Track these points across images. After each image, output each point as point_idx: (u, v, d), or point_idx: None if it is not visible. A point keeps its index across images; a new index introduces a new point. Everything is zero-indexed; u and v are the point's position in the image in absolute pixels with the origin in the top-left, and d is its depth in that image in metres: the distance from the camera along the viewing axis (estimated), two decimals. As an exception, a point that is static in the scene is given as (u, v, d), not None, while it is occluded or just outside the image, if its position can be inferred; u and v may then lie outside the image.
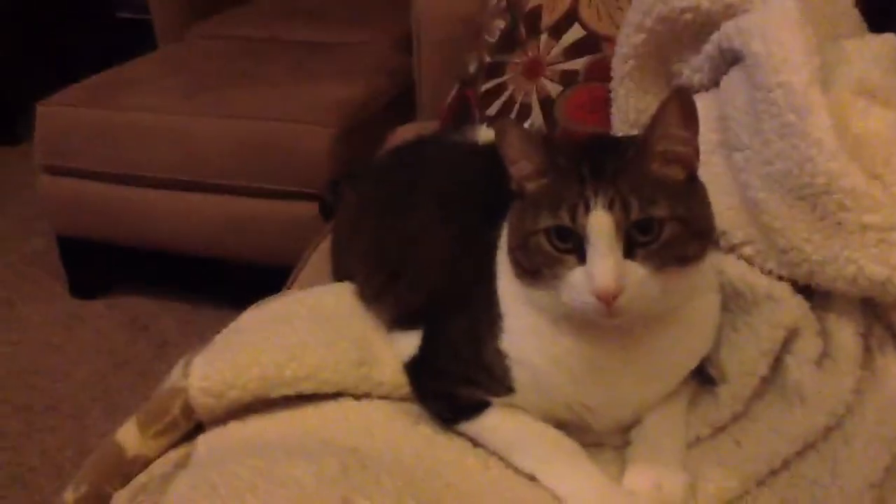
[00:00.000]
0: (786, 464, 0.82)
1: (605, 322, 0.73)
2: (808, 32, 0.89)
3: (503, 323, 0.83)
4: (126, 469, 0.87)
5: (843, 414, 0.83)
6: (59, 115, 2.11)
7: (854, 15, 1.10)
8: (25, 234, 2.69)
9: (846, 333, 0.85)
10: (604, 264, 0.69)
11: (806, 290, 0.87)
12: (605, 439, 0.86)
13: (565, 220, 0.71)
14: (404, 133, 1.75)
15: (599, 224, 0.70)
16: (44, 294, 2.37)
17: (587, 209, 0.70)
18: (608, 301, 0.69)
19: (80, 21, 3.57)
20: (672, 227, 0.71)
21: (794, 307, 0.85)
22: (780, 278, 0.87)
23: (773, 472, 0.82)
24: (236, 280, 2.01)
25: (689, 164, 0.75)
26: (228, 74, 2.19)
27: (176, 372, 0.93)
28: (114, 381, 2.02)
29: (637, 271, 0.70)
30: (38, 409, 1.93)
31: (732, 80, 0.96)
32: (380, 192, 1.10)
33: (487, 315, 0.84)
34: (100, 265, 2.36)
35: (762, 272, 0.88)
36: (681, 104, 0.72)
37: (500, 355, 0.83)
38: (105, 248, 2.23)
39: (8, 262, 2.54)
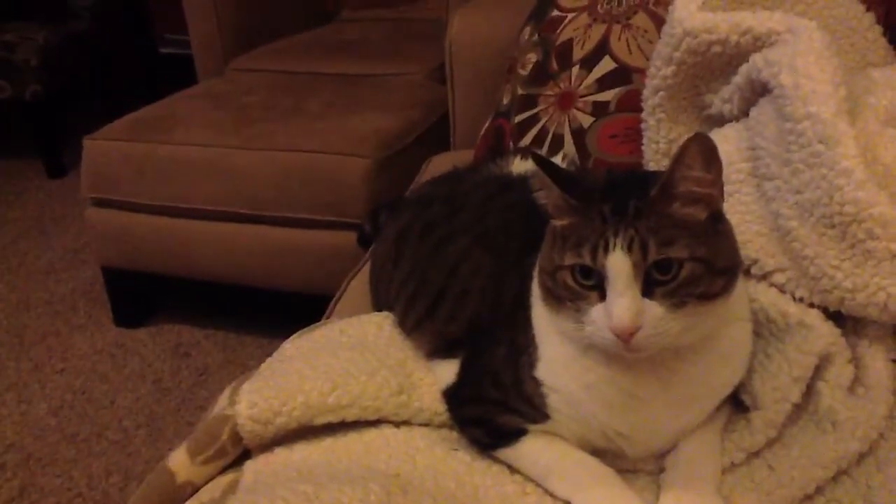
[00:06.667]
0: (820, 489, 0.83)
1: (625, 356, 0.76)
2: (836, 64, 0.91)
3: (538, 351, 0.85)
4: (176, 494, 0.89)
5: (876, 440, 0.84)
6: (105, 148, 2.17)
7: (882, 44, 1.12)
8: (72, 264, 2.77)
9: (878, 360, 0.86)
10: (621, 303, 0.72)
11: (837, 317, 0.88)
12: (639, 465, 0.87)
13: (587, 259, 0.74)
14: (439, 162, 1.79)
15: (618, 265, 0.72)
16: (89, 323, 2.44)
17: (606, 250, 0.73)
18: (625, 338, 0.72)
19: (123, 57, 3.69)
20: (691, 266, 0.73)
21: (825, 334, 0.86)
22: (812, 305, 0.89)
23: (808, 498, 0.83)
24: (276, 308, 2.05)
25: (712, 204, 0.76)
26: (268, 107, 2.24)
27: (223, 400, 0.96)
28: (157, 407, 2.07)
29: (654, 310, 0.72)
30: (85, 436, 1.98)
31: (761, 110, 0.98)
32: (418, 223, 1.13)
33: (523, 343, 0.87)
34: (143, 294, 2.43)
35: (794, 300, 0.90)
36: (700, 147, 0.73)
37: (536, 383, 0.85)
38: (148, 278, 2.28)
39: (55, 292, 2.62)
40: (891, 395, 0.86)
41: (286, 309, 1.72)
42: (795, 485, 0.82)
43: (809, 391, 0.87)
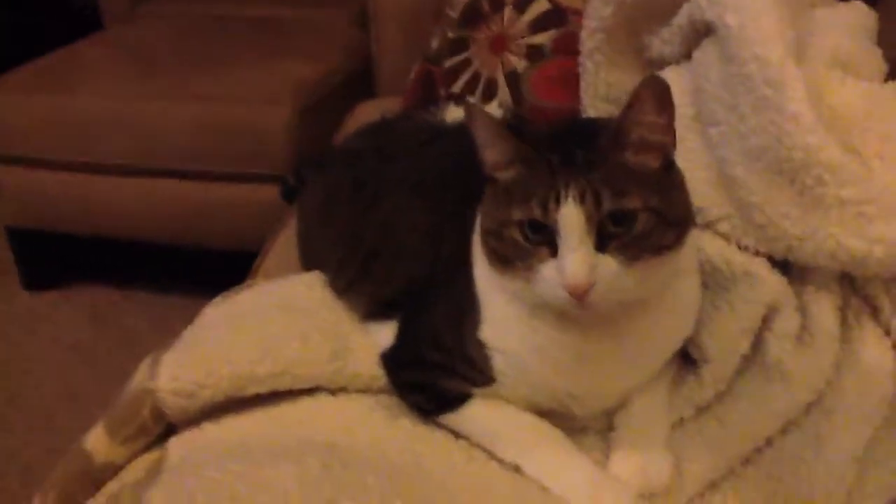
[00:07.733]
0: (769, 441, 0.82)
1: (578, 314, 0.72)
2: (782, 5, 0.88)
3: (481, 312, 0.81)
4: (96, 476, 0.84)
5: (824, 389, 0.83)
6: (3, 101, 2.03)
7: (824, -15, 1.09)
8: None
9: (824, 308, 0.85)
10: (574, 259, 0.68)
11: (783, 265, 0.86)
12: (588, 424, 0.85)
13: (537, 213, 0.70)
14: (365, 110, 1.73)
15: (571, 217, 0.68)
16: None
17: (558, 202, 0.68)
18: (579, 296, 0.68)
19: (23, 3, 3.45)
20: (646, 217, 0.69)
21: (772, 283, 0.84)
22: (758, 253, 0.86)
23: (758, 450, 0.82)
24: (201, 268, 1.96)
25: (665, 151, 0.73)
26: (180, 55, 2.13)
27: (141, 372, 0.89)
28: (77, 375, 1.97)
29: (609, 264, 0.69)
30: (1, 408, 1.87)
31: (705, 52, 0.94)
32: (349, 177, 1.07)
33: (465, 303, 0.82)
34: (54, 256, 2.29)
35: (739, 248, 0.87)
36: (654, 91, 0.69)
37: (480, 345, 0.81)
38: (59, 239, 2.16)
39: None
40: (837, 342, 0.84)
41: (211, 268, 1.65)
42: (746, 438, 0.82)
43: (757, 342, 0.85)
